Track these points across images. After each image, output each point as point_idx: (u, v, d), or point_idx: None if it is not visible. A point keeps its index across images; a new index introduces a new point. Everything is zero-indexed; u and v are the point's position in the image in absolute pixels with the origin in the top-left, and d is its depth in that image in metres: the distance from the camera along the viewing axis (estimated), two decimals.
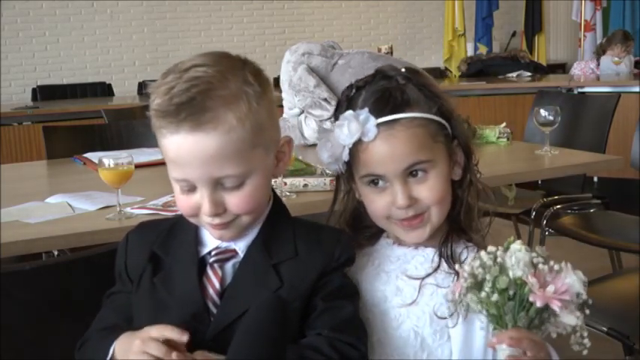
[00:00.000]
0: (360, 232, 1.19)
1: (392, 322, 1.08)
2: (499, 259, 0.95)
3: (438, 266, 1.10)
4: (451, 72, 7.00)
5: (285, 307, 0.99)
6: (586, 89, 4.93)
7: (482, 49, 7.32)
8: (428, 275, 1.09)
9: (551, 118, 2.41)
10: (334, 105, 2.47)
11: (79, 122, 3.93)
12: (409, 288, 1.09)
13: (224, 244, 1.04)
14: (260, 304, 0.98)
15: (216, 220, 0.99)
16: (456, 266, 1.02)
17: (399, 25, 7.74)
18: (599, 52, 5.95)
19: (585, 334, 0.94)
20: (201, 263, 1.03)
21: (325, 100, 2.52)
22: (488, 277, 0.93)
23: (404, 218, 1.10)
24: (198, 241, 1.05)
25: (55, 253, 1.84)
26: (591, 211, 2.85)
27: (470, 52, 7.23)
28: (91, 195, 1.85)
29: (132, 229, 1.11)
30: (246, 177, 0.98)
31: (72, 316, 1.19)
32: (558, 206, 2.71)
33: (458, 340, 1.05)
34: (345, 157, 1.10)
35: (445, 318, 1.04)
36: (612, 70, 5.63)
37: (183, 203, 1.00)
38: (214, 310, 1.00)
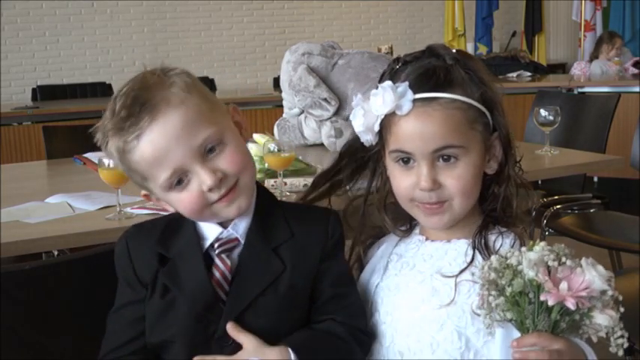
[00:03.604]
0: (395, 221, 1.17)
1: (433, 324, 1.04)
2: (509, 261, 0.91)
3: (472, 259, 1.06)
4: None
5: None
6: (586, 89, 4.93)
7: (483, 49, 7.32)
8: (462, 271, 1.05)
9: (551, 118, 2.41)
10: (334, 105, 2.51)
11: (79, 122, 3.92)
12: (445, 287, 1.05)
13: (225, 234, 1.05)
14: None
15: (223, 189, 1.00)
16: (493, 258, 0.94)
17: (399, 25, 7.73)
18: (592, 58, 5.99)
19: (620, 333, 0.89)
20: (206, 256, 1.05)
21: (325, 100, 2.51)
22: (503, 281, 0.89)
23: (426, 202, 1.07)
24: (198, 236, 1.06)
25: (55, 253, 1.84)
26: (591, 211, 2.85)
27: (470, 52, 7.22)
28: (90, 195, 1.85)
29: (127, 234, 1.10)
30: (222, 136, 1.01)
31: (72, 316, 1.19)
32: (558, 206, 2.70)
33: (499, 337, 1.00)
34: (376, 127, 1.07)
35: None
36: (600, 75, 5.63)
37: (188, 201, 1.00)
38: (225, 299, 1.02)
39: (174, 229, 1.08)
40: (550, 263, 0.90)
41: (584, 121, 3.12)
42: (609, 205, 2.98)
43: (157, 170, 0.99)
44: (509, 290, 0.89)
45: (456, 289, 1.04)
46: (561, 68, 7.60)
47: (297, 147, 2.41)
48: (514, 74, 5.85)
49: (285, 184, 1.80)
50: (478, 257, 1.06)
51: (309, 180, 1.82)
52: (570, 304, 0.86)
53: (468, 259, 1.06)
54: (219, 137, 1.00)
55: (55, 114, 4.61)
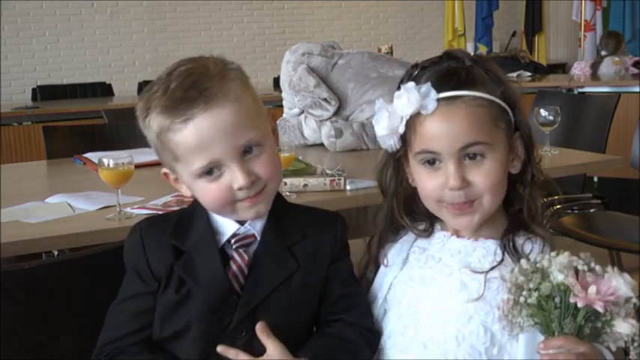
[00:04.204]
0: (414, 221, 1.17)
1: (460, 317, 1.05)
2: (539, 265, 0.93)
3: (502, 259, 1.07)
4: None
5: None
6: (586, 89, 4.93)
7: (483, 49, 7.32)
8: (492, 268, 1.06)
9: (551, 118, 2.41)
10: (334, 105, 2.51)
11: (79, 122, 3.93)
12: (474, 282, 1.06)
13: (242, 230, 1.06)
14: None
15: (252, 191, 1.02)
16: (522, 261, 0.96)
17: (399, 25, 7.74)
18: (602, 57, 6.01)
19: None
20: (222, 251, 1.06)
21: (325, 100, 2.52)
22: (531, 285, 0.91)
23: (455, 202, 1.07)
24: (213, 230, 1.07)
25: (55, 253, 1.84)
26: (591, 211, 2.85)
27: (470, 52, 7.22)
28: (90, 195, 1.85)
29: (141, 227, 1.10)
30: (263, 140, 1.03)
31: (72, 316, 1.19)
32: (558, 206, 2.70)
33: (523, 335, 1.00)
34: (402, 129, 1.07)
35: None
36: (612, 74, 5.66)
37: (215, 193, 1.02)
38: (239, 292, 1.04)
39: (187, 222, 1.09)
40: (579, 267, 0.92)
41: (584, 121, 3.12)
42: (609, 205, 2.98)
43: (194, 157, 1.00)
44: (535, 295, 0.91)
45: (485, 285, 1.05)
46: (561, 68, 7.60)
47: (297, 147, 2.41)
48: (514, 74, 5.85)
49: (285, 184, 1.80)
50: (507, 258, 1.07)
51: (309, 180, 1.83)
52: (599, 307, 0.88)
53: (498, 259, 1.07)
54: (260, 141, 1.02)
55: (55, 114, 4.61)
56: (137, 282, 1.07)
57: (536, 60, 6.94)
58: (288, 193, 1.77)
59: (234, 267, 1.05)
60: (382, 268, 1.17)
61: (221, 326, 1.03)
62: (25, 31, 6.32)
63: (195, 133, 0.98)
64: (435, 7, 7.64)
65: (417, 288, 1.10)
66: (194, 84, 0.98)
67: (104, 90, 5.88)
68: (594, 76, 5.66)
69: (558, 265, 0.91)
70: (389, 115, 1.08)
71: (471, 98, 1.05)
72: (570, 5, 7.54)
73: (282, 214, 1.10)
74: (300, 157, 2.02)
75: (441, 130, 1.04)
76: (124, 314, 1.07)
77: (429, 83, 1.05)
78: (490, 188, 1.06)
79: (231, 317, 1.03)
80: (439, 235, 1.15)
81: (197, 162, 1.00)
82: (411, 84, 1.06)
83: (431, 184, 1.08)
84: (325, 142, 2.52)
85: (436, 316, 1.06)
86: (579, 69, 5.90)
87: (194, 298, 1.04)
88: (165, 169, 1.09)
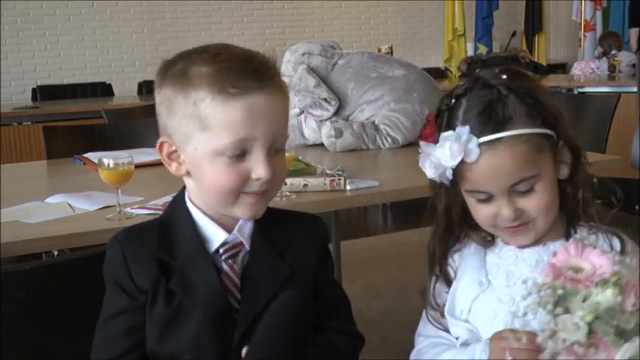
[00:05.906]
0: (473, 231, 1.15)
1: None
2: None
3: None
4: (451, 72, 7.02)
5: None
6: (586, 89, 4.94)
7: (482, 49, 7.32)
8: None
9: None
10: (334, 105, 2.52)
11: (79, 122, 3.93)
12: None
13: (231, 238, 1.04)
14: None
15: (264, 187, 1.00)
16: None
17: (399, 25, 7.74)
18: (602, 54, 6.04)
19: None
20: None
21: (325, 100, 2.52)
22: (573, 306, 0.87)
23: (509, 226, 1.08)
24: (201, 239, 1.03)
25: (55, 253, 1.84)
26: None
27: (470, 52, 7.23)
28: (90, 195, 1.85)
29: (119, 239, 1.05)
30: (284, 144, 1.04)
31: (72, 316, 1.19)
32: None
33: None
34: (449, 175, 1.07)
35: None
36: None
37: (230, 176, 0.97)
38: (236, 306, 1.02)
39: (170, 233, 1.04)
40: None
41: (584, 121, 3.12)
42: (609, 205, 2.98)
43: (230, 131, 0.96)
44: (575, 315, 0.87)
45: None
46: (561, 68, 7.60)
47: (297, 147, 2.41)
48: None
49: (286, 184, 1.80)
50: None
51: (309, 180, 1.83)
52: None
53: None
54: (284, 142, 1.04)
55: (55, 114, 4.62)
56: (122, 297, 1.02)
57: (536, 60, 6.95)
58: (288, 193, 1.77)
59: (226, 281, 1.02)
60: (458, 284, 1.15)
61: (224, 342, 1.00)
62: (25, 31, 6.32)
63: (244, 109, 0.95)
64: (435, 7, 7.64)
65: (511, 308, 1.07)
66: (254, 65, 0.99)
67: (104, 90, 5.89)
68: (611, 76, 5.62)
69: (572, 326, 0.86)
70: (435, 165, 1.07)
71: (513, 137, 1.03)
72: (570, 5, 7.54)
73: (267, 220, 1.06)
74: (300, 157, 2.02)
75: (488, 174, 1.04)
76: (115, 332, 1.03)
77: (467, 128, 1.03)
78: (543, 211, 1.07)
79: (233, 332, 1.00)
80: (509, 248, 1.13)
81: (231, 136, 0.95)
82: (449, 133, 1.04)
83: (483, 212, 1.09)
84: (325, 142, 2.52)
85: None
86: (579, 69, 5.90)
87: (191, 315, 1.00)
88: (164, 139, 1.02)
